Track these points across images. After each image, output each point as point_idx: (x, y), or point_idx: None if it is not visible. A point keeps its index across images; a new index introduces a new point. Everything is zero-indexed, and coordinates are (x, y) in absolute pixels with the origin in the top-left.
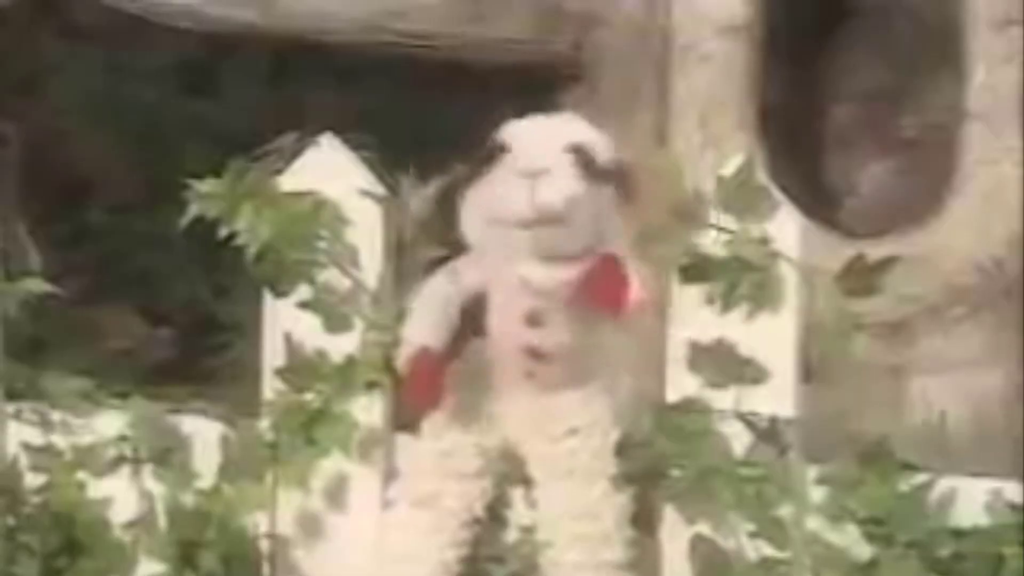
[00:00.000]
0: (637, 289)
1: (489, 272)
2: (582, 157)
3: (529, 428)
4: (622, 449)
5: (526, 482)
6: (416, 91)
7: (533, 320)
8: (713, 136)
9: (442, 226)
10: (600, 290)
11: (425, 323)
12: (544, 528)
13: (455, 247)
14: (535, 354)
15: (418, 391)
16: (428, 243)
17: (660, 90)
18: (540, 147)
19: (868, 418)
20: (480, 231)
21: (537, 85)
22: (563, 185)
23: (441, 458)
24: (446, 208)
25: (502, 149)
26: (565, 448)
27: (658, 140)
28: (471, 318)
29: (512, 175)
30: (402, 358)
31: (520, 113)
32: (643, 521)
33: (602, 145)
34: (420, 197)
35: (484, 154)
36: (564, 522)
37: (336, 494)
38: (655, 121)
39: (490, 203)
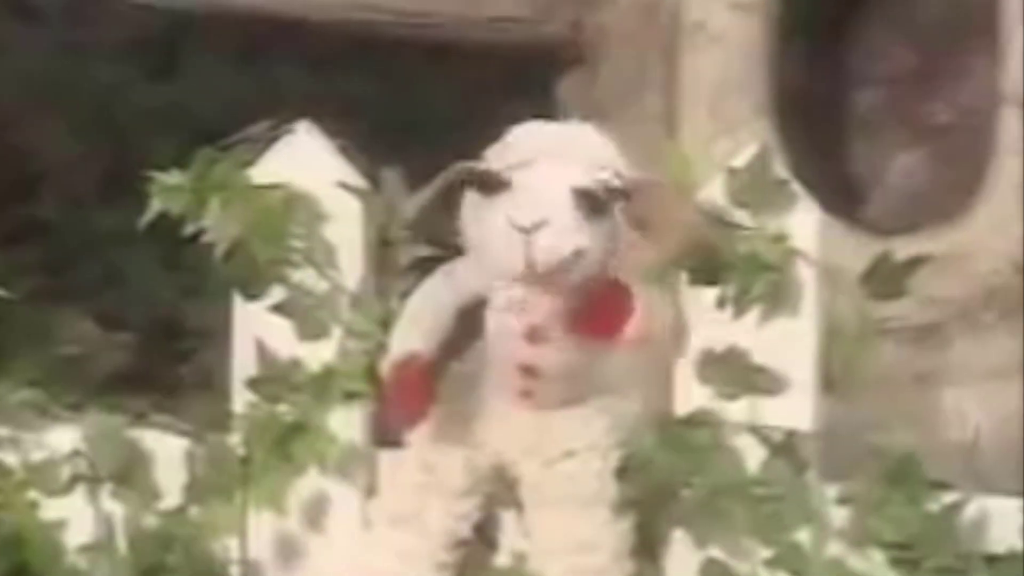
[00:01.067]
0: (641, 317)
1: (490, 277)
2: (587, 202)
3: (522, 449)
4: (625, 468)
5: (519, 505)
6: (400, 75)
7: (533, 336)
8: (726, 124)
9: (439, 225)
10: (599, 319)
11: (414, 326)
12: (537, 559)
13: (446, 246)
14: (532, 372)
15: (402, 401)
16: (415, 241)
17: (668, 74)
18: (541, 190)
19: (894, 432)
20: (479, 241)
21: (533, 69)
22: (563, 239)
23: (424, 474)
24: (446, 206)
25: (502, 184)
26: (561, 473)
27: (666, 128)
28: (469, 323)
29: (507, 227)
30: (387, 363)
31: (514, 100)
32: (647, 550)
33: (613, 162)
34: (417, 193)
35: (485, 178)
36: (558, 554)
37: (313, 515)
38: (662, 108)
39: (484, 248)
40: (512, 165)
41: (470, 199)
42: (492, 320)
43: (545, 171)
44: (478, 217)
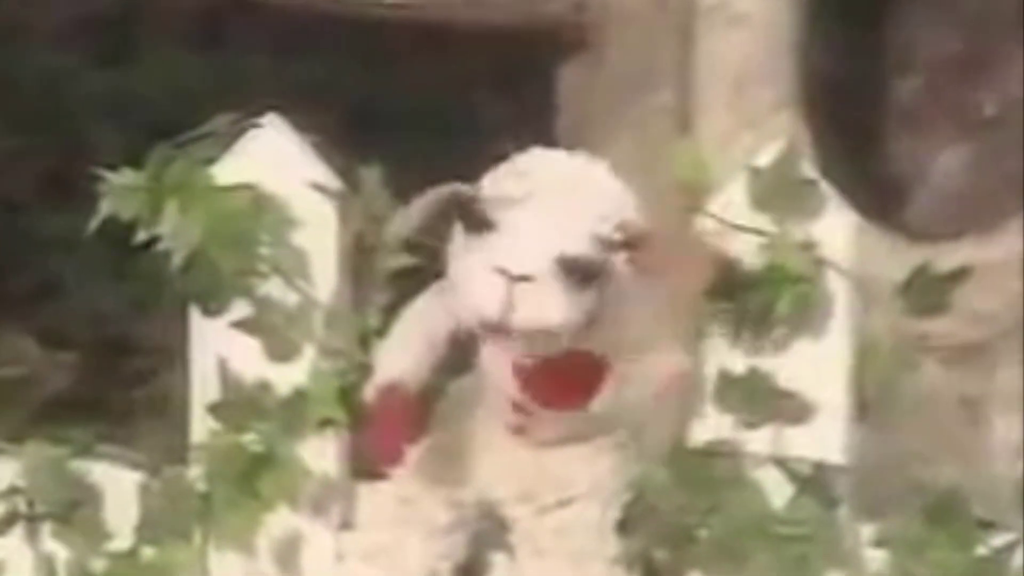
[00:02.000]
0: (608, 388)
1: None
2: (574, 272)
3: (514, 492)
4: (634, 507)
5: (509, 549)
6: (381, 62)
7: (520, 373)
8: (747, 116)
9: (427, 245)
10: (562, 391)
11: (402, 349)
12: None
13: (434, 255)
14: (525, 409)
15: (384, 434)
16: (398, 249)
17: (682, 59)
18: (531, 244)
19: (937, 465)
20: (459, 276)
21: (531, 54)
22: (543, 307)
23: (402, 506)
24: (438, 225)
25: (488, 225)
26: (555, 523)
27: (679, 122)
28: (463, 348)
29: (489, 268)
30: (369, 390)
31: (509, 91)
32: None
33: (620, 209)
34: (404, 210)
35: (471, 214)
36: None
37: (284, 557)
38: (675, 98)
39: (462, 285)
40: (506, 199)
41: (458, 228)
42: (486, 349)
43: (538, 220)
44: (461, 251)
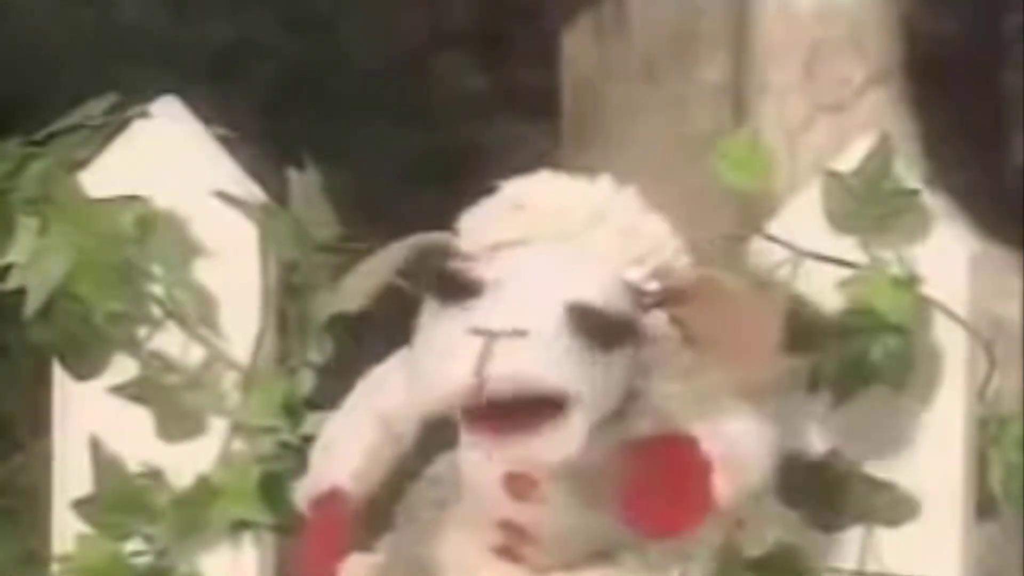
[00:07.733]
0: (721, 486)
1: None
2: (591, 327)
3: None
4: None
5: None
6: (316, 19)
7: (516, 488)
8: (826, 99)
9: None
10: (659, 506)
11: (351, 444)
12: None
13: (396, 296)
14: (517, 531)
15: (317, 560)
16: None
17: (736, 19)
18: (526, 298)
19: None
20: (420, 348)
21: (520, 7)
22: (539, 367)
23: None
24: (419, 281)
25: (470, 292)
26: None
27: (732, 102)
28: (437, 438)
29: (465, 331)
30: (302, 500)
31: (486, 55)
32: None
33: (658, 248)
34: (349, 283)
35: (448, 282)
36: None
37: None
38: (726, 74)
39: (421, 357)
40: (496, 246)
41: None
42: (466, 445)
43: (541, 266)
44: (431, 321)
